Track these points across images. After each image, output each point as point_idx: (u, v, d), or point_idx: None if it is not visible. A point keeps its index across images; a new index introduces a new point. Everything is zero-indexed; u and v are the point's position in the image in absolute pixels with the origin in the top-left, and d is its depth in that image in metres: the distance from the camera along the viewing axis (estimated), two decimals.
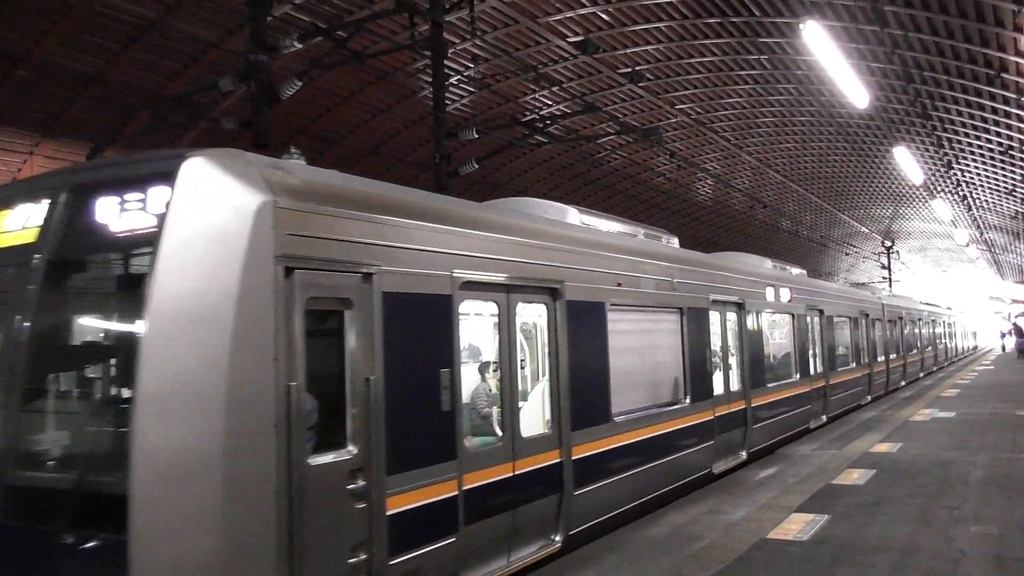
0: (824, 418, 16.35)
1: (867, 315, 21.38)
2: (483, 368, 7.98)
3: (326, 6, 16.99)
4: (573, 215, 9.28)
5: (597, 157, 31.38)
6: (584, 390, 7.78)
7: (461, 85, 22.65)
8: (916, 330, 30.57)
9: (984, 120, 23.95)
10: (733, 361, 12.20)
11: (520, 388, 7.41)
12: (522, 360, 7.89)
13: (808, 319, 15.96)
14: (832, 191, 41.29)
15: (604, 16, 20.04)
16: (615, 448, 8.30)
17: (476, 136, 14.39)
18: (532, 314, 8.18)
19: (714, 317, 11.43)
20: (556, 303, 7.48)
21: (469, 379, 7.53)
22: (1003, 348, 56.64)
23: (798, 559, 6.88)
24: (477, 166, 14.60)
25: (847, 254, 56.25)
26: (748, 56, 22.64)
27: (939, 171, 32.04)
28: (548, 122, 20.76)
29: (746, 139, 31.87)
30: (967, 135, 26.22)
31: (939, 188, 35.48)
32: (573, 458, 7.45)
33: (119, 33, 17.04)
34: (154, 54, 17.96)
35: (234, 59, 16.24)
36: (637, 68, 21.96)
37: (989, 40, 18.14)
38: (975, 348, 65.03)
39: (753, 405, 12.29)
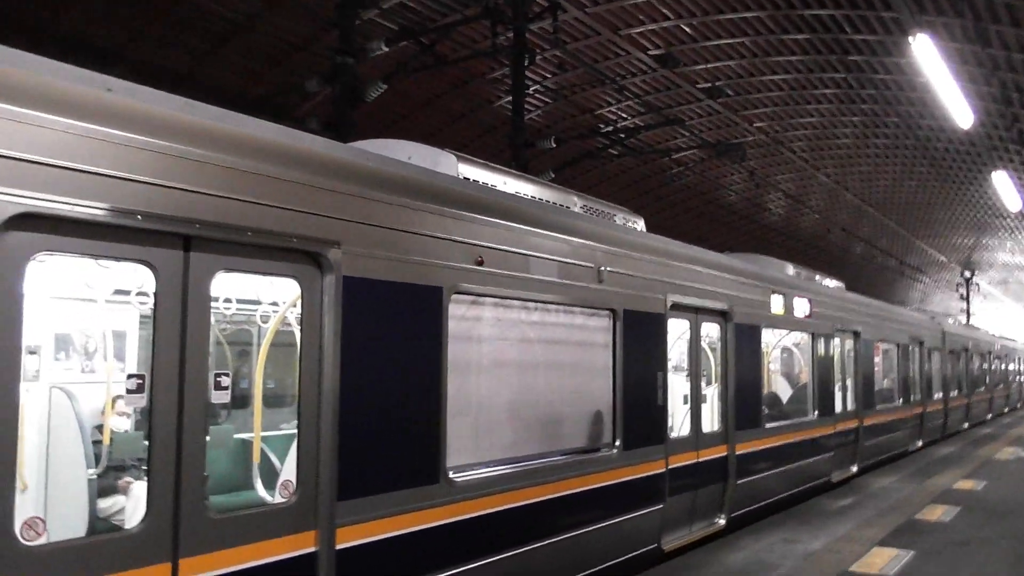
0: (854, 468, 13.23)
1: (922, 343, 18.14)
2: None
3: (410, 13, 17.21)
4: (448, 163, 6.32)
5: (670, 173, 31.04)
6: (371, 437, 4.66)
7: (537, 95, 22.69)
8: (985, 364, 27.41)
9: None
10: (710, 392, 9.31)
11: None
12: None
13: (836, 341, 12.71)
14: (909, 217, 39.95)
15: (687, 29, 19.81)
16: (443, 526, 5.09)
17: (554, 146, 14.35)
18: (263, 296, 5.80)
19: (676, 328, 8.42)
20: (324, 280, 4.44)
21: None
22: None
23: None
24: (553, 175, 14.55)
25: (921, 282, 54.34)
26: (828, 74, 22.10)
27: None
28: (622, 136, 20.65)
29: (821, 159, 31.12)
30: None
31: None
32: (338, 547, 4.39)
33: (210, 34, 17.58)
34: (241, 56, 18.48)
35: (318, 62, 16.57)
36: (717, 83, 21.64)
37: None
38: None
39: (739, 453, 9.16)
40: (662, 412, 7.75)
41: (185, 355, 3.78)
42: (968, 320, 43.34)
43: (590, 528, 6.57)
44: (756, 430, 9.70)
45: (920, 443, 17.99)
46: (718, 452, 8.85)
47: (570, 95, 23.13)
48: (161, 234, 3.71)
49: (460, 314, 5.50)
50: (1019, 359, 37.72)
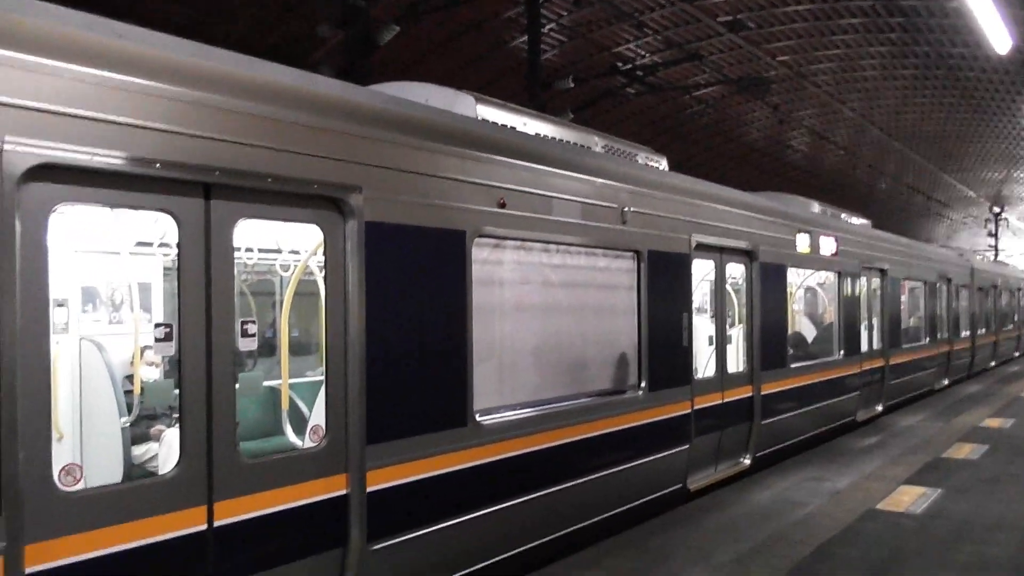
0: (880, 407, 13.13)
1: (950, 280, 17.95)
2: None
3: None
4: (466, 104, 6.21)
5: (691, 111, 30.42)
6: (398, 382, 4.67)
7: (553, 34, 22.15)
8: (1014, 301, 27.13)
9: None
10: (735, 333, 9.32)
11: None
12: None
13: (862, 280, 12.53)
14: (937, 151, 38.99)
15: None
16: (471, 469, 5.13)
17: (572, 85, 14.04)
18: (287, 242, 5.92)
19: (701, 269, 8.41)
20: (346, 226, 4.40)
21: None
22: None
23: (913, 532, 6.54)
24: (572, 116, 14.28)
25: (948, 219, 53.35)
26: (855, 1, 21.35)
27: None
28: (639, 73, 20.16)
29: (847, 92, 30.31)
30: None
31: None
32: (369, 490, 4.45)
33: None
34: (251, 5, 18.14)
35: (329, 7, 16.22)
36: (738, 16, 20.97)
37: None
38: None
39: (765, 393, 9.10)
40: (687, 353, 7.73)
41: (211, 303, 3.79)
42: (996, 256, 42.64)
43: (616, 469, 6.62)
44: (781, 370, 9.66)
45: (946, 381, 17.90)
46: (743, 393, 8.82)
47: (587, 33, 22.57)
48: (181, 182, 3.68)
49: (484, 258, 5.45)
50: None
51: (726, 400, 8.48)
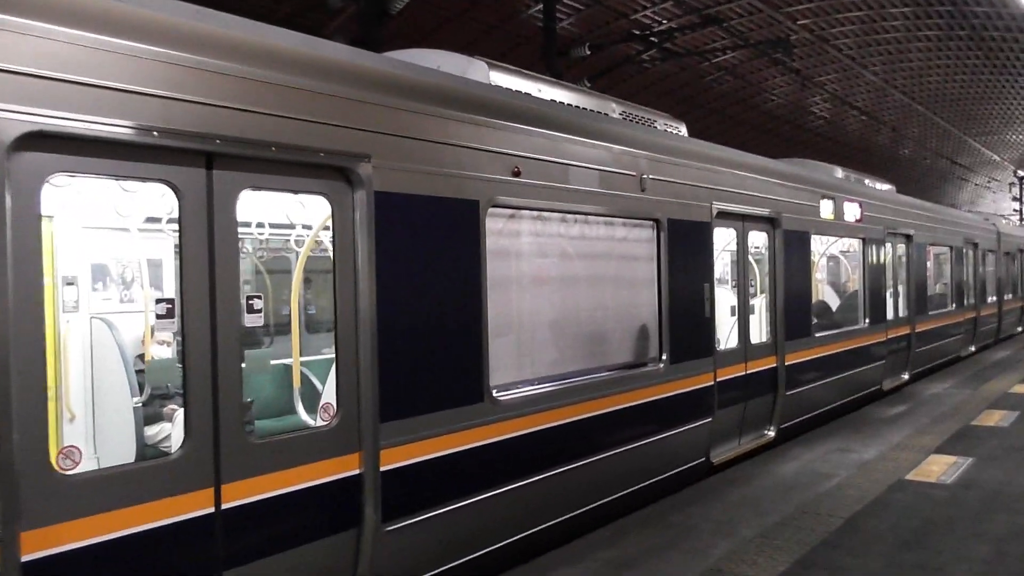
0: (906, 376, 12.86)
1: (976, 245, 17.71)
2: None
3: None
4: (479, 70, 5.95)
5: (710, 79, 29.87)
6: (411, 358, 4.54)
7: (568, 1, 21.71)
8: None
9: None
10: (758, 302, 9.21)
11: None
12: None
13: (887, 246, 12.19)
14: (960, 114, 38.15)
15: None
16: (488, 446, 5.01)
17: (588, 53, 13.74)
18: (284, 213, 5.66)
19: (722, 238, 8.29)
20: (355, 196, 4.24)
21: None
22: None
23: (945, 503, 6.39)
24: (589, 85, 14.00)
25: (972, 183, 52.39)
26: None
27: None
28: (654, 40, 19.71)
29: (868, 55, 29.61)
30: None
31: None
32: (383, 469, 4.36)
33: None
34: None
35: None
36: None
37: None
38: None
39: (789, 363, 8.90)
40: (709, 324, 7.55)
41: (215, 277, 3.63)
42: (1022, 221, 41.88)
43: (638, 443, 6.48)
44: (806, 340, 9.45)
45: (973, 348, 17.64)
46: (767, 363, 8.65)
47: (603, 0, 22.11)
48: (180, 151, 3.51)
49: (498, 228, 5.27)
50: None
51: (749, 371, 8.31)
